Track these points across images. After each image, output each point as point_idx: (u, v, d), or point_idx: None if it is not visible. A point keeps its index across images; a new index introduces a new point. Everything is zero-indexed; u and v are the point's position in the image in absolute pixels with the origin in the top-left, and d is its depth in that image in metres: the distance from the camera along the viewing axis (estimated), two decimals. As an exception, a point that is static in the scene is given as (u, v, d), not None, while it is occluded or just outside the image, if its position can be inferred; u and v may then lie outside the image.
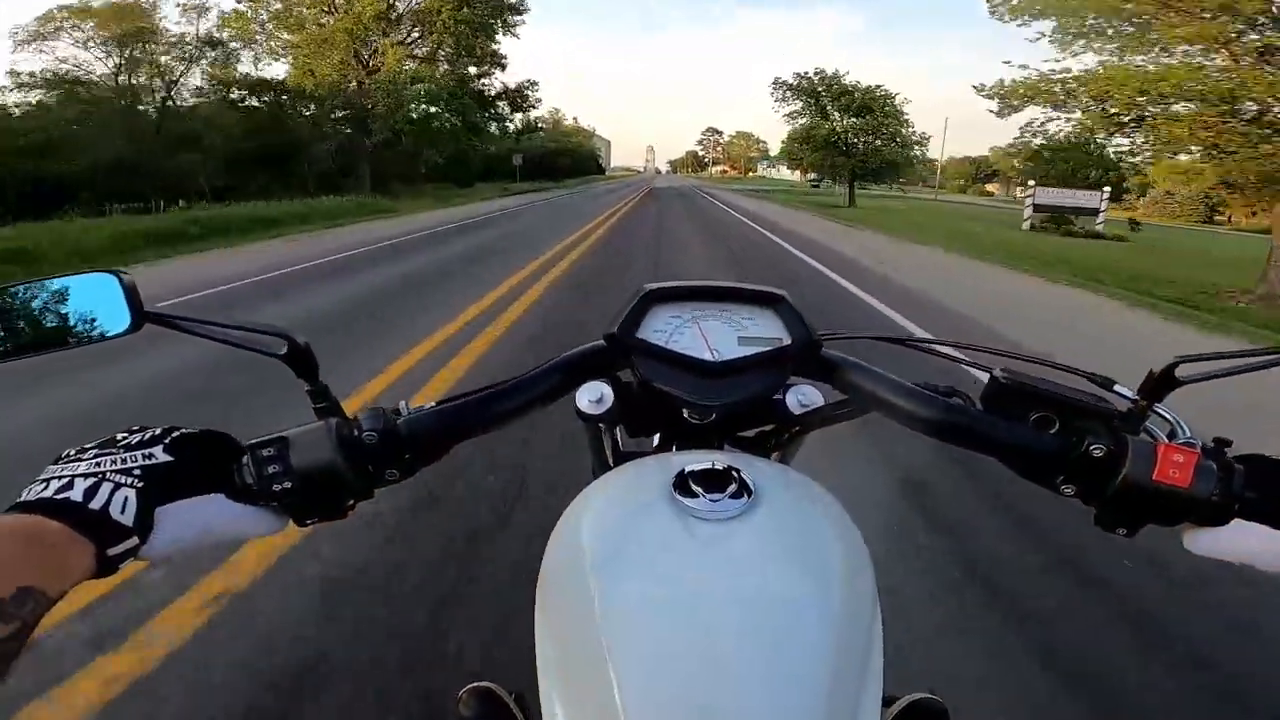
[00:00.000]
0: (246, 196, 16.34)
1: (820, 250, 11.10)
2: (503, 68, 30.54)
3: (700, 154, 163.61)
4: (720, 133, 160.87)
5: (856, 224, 18.06)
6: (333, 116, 24.87)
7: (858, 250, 11.21)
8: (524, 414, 0.52)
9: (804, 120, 31.63)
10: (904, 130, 29.16)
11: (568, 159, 62.33)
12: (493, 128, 32.36)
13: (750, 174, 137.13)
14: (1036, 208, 20.59)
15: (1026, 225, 20.04)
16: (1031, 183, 23.50)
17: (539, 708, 0.38)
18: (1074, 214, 20.18)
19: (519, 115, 35.75)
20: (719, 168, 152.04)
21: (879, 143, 29.17)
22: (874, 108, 28.75)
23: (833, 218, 20.67)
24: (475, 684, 0.51)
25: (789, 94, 31.41)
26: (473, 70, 29.81)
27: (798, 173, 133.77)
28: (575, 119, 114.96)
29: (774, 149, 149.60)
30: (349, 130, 24.95)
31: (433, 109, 26.37)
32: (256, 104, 23.80)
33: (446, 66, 28.11)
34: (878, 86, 29.59)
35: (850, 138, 29.48)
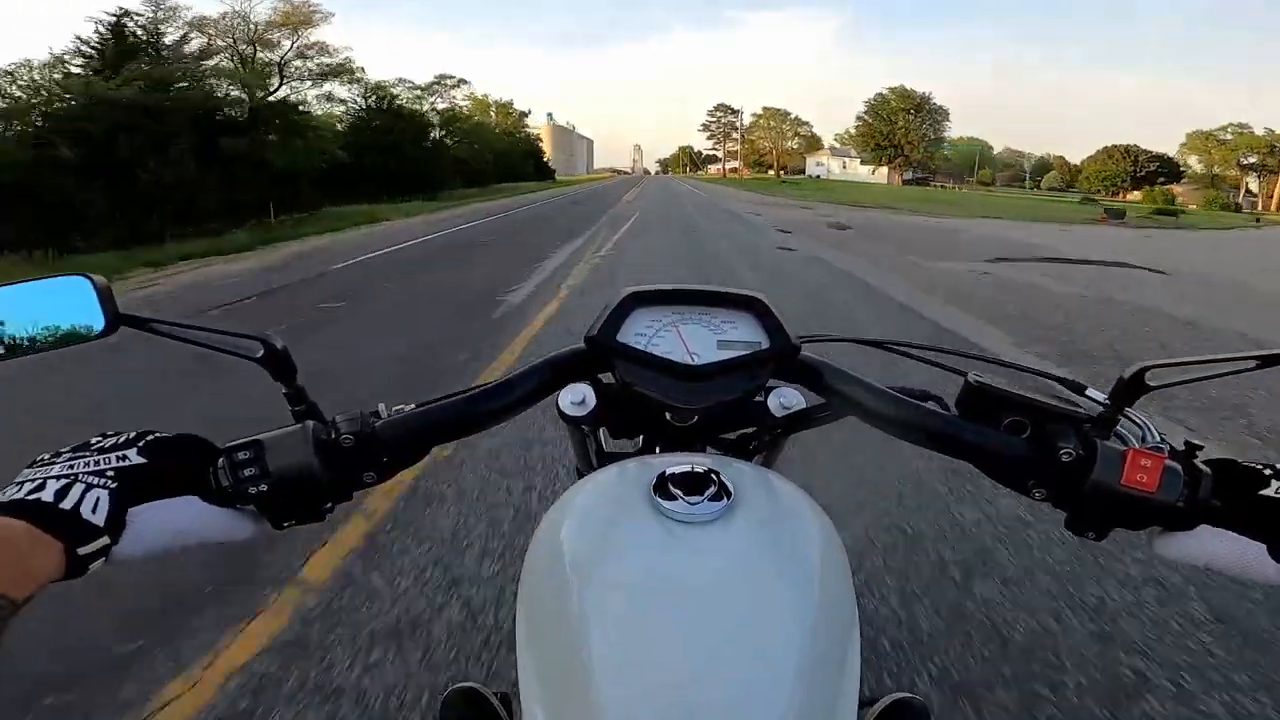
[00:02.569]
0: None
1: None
2: None
3: (706, 148, 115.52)
4: (736, 112, 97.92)
5: None
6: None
7: None
8: (505, 416, 0.52)
9: None
10: None
11: (388, 156, 21.40)
12: None
13: (783, 173, 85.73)
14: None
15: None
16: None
17: (523, 709, 0.38)
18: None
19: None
20: (730, 165, 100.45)
21: None
22: None
23: None
24: (460, 685, 0.52)
25: None
26: None
27: (884, 169, 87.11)
28: (553, 116, 71.93)
29: (823, 131, 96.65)
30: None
31: None
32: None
33: None
34: None
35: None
